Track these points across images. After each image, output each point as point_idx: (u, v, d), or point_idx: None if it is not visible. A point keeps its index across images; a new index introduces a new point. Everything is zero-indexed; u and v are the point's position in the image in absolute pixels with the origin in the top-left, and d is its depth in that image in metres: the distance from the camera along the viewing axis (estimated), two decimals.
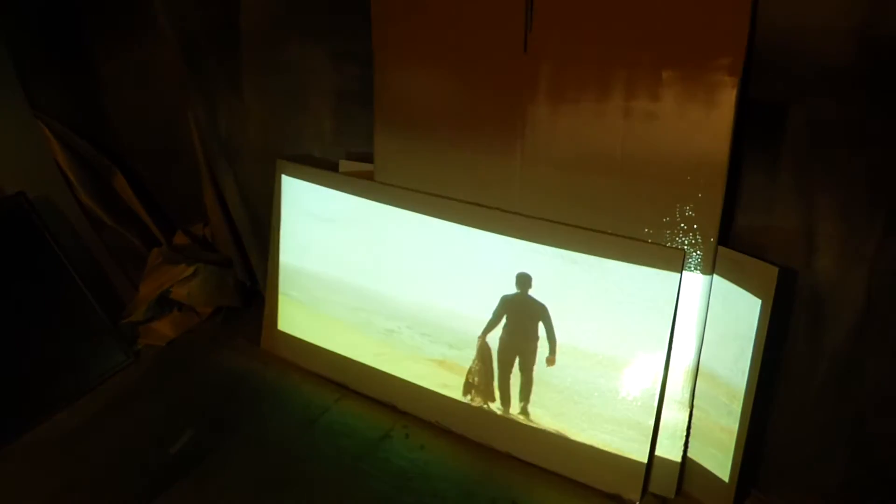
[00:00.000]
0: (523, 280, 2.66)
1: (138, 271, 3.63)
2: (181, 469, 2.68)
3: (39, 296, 3.19)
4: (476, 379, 2.82)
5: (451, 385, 2.87)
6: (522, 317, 2.70)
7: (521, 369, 2.72)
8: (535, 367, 2.68)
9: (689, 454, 2.51)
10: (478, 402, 2.83)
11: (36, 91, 3.48)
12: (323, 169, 3.12)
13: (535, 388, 2.69)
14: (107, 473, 2.69)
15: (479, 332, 2.77)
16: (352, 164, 3.08)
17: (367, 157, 2.99)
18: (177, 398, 3.12)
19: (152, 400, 3.12)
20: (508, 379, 2.76)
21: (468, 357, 2.81)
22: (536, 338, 2.66)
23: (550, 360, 2.64)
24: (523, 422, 2.72)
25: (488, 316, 2.75)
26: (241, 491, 2.61)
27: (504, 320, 2.75)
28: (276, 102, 3.22)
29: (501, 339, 2.76)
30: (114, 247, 3.71)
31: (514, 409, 2.75)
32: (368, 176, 2.97)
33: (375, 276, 3.01)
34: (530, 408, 2.71)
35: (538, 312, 2.65)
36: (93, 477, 2.68)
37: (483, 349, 2.79)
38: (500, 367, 2.77)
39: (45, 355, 3.11)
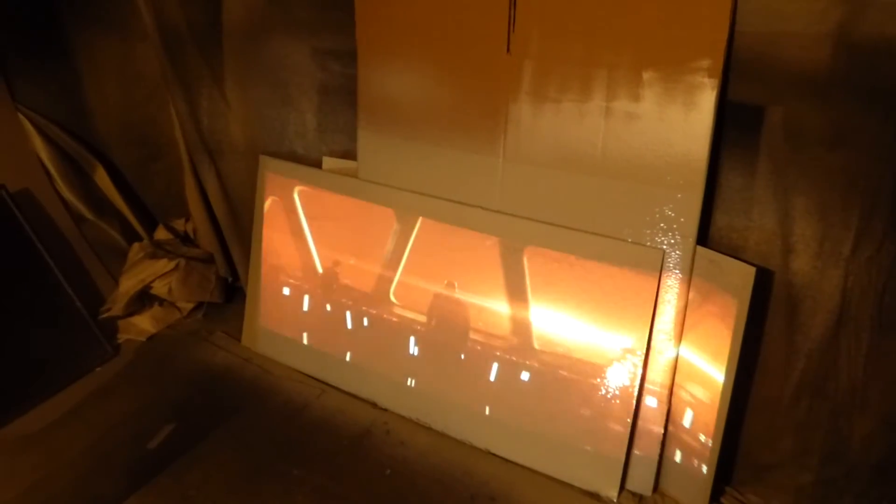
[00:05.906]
0: None
1: (119, 266, 3.61)
2: (160, 464, 2.67)
3: (19, 289, 3.17)
4: None
5: (431, 382, 2.88)
6: None
7: None
8: None
9: (665, 452, 2.53)
10: None
11: (17, 84, 3.46)
12: (306, 165, 3.13)
13: (515, 386, 2.70)
14: (85, 467, 2.68)
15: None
16: (335, 161, 3.08)
17: (351, 155, 2.99)
18: (156, 393, 3.10)
19: (131, 395, 3.10)
20: None
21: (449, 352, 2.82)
22: None
23: None
24: (502, 419, 2.73)
25: (472, 312, 2.75)
26: (219, 486, 2.60)
27: None
28: (260, 98, 3.21)
29: None
30: (94, 241, 3.69)
31: None
32: (352, 173, 2.98)
33: (357, 272, 3.01)
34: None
35: None
36: (71, 471, 2.67)
37: None
38: None
39: (24, 349, 3.09)
